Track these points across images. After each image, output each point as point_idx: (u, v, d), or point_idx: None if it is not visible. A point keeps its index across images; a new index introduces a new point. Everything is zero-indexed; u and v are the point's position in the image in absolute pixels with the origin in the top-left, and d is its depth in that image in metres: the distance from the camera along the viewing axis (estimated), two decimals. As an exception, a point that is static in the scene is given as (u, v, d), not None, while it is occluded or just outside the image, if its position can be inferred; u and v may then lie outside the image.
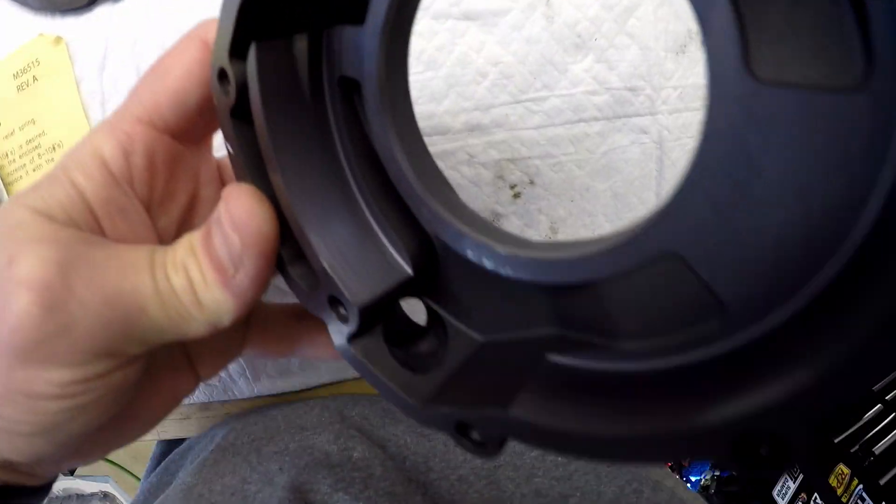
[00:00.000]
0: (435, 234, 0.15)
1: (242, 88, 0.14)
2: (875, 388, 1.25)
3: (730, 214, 0.09)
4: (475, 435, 0.13)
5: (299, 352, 0.20)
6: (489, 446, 0.12)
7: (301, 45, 0.15)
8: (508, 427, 0.12)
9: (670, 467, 1.53)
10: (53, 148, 0.29)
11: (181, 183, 0.18)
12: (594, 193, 0.30)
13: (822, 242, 0.09)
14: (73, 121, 0.28)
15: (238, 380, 0.31)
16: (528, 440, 0.12)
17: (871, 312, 0.07)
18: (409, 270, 0.15)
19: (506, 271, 0.13)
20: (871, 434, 1.18)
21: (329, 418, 0.27)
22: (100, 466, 1.23)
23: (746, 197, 0.09)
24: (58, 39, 0.28)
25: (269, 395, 0.32)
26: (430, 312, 0.16)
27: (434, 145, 0.27)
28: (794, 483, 1.26)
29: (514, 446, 0.26)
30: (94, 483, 1.23)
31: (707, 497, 1.40)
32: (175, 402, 0.20)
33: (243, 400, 0.33)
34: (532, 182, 0.27)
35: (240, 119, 0.15)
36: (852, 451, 1.18)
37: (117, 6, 0.27)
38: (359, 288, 0.14)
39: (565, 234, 0.30)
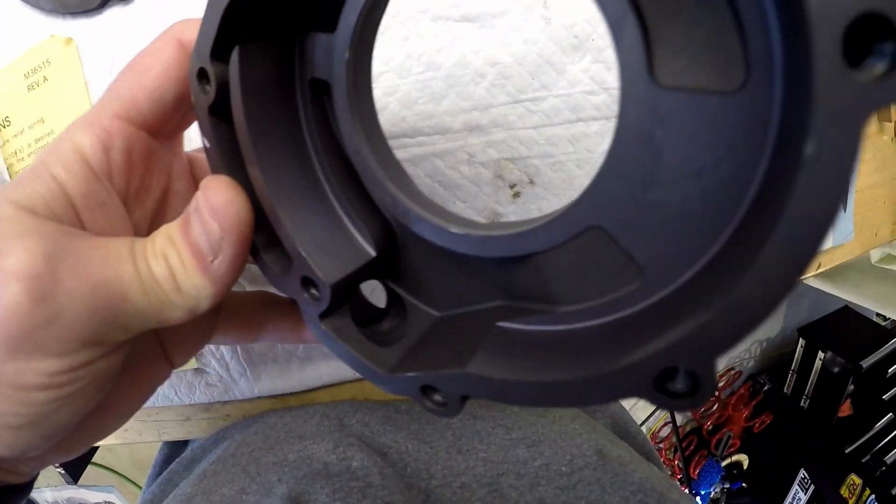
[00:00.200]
0: (395, 220, 0.17)
1: (222, 88, 0.15)
2: (885, 398, 1.23)
3: (640, 192, 0.12)
4: (438, 397, 0.14)
5: (265, 337, 0.21)
6: (451, 406, 0.14)
7: (276, 49, 0.16)
8: (467, 384, 0.13)
9: (679, 480, 1.51)
10: (61, 150, 0.29)
11: (155, 177, 0.19)
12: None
13: (718, 214, 0.11)
14: (80, 123, 0.29)
15: (239, 380, 0.31)
16: (485, 394, 0.13)
17: (756, 266, 0.09)
18: (372, 252, 0.17)
19: (460, 248, 0.15)
20: (882, 444, 1.16)
21: (329, 427, 0.27)
22: (104, 476, 1.23)
23: (653, 178, 0.12)
24: (68, 40, 0.29)
25: (269, 396, 0.32)
26: (390, 294, 0.18)
27: (434, 144, 0.27)
28: (805, 494, 1.24)
29: (515, 455, 0.26)
30: (98, 493, 1.23)
31: (716, 509, 1.37)
32: (151, 390, 0.20)
33: (244, 401, 0.33)
34: (532, 181, 0.28)
35: (217, 115, 0.16)
36: (864, 461, 1.16)
37: (127, 8, 0.28)
38: (329, 268, 0.16)
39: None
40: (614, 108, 0.28)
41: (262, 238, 0.16)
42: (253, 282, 0.29)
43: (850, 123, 0.08)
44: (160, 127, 0.17)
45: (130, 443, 0.35)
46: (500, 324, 0.15)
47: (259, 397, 0.32)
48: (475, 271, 0.16)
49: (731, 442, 1.59)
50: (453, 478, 0.25)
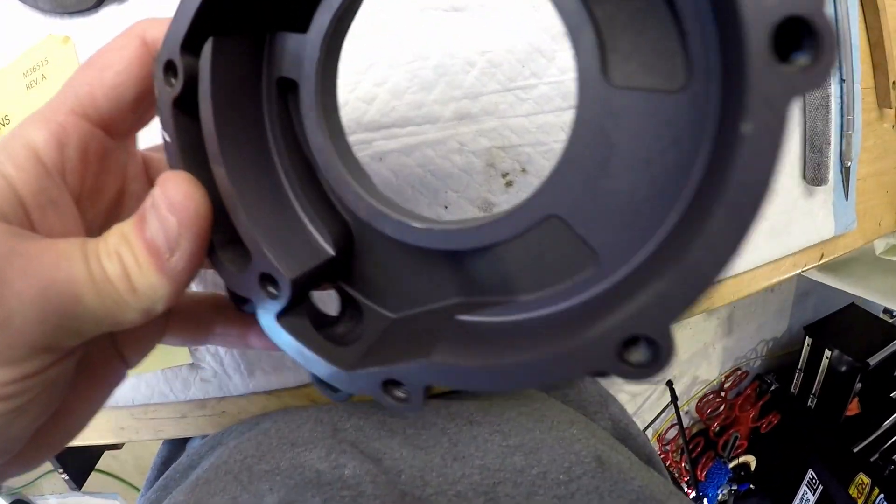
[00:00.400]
0: (354, 220, 0.17)
1: (189, 81, 0.15)
2: (893, 396, 1.21)
3: (594, 182, 0.13)
4: (399, 392, 0.14)
5: (213, 340, 0.21)
6: (413, 399, 0.14)
7: (246, 46, 0.16)
8: (430, 373, 0.13)
9: (686, 482, 1.50)
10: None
11: (110, 177, 0.18)
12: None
13: (666, 197, 0.12)
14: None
15: (233, 375, 0.31)
16: (449, 381, 0.13)
17: (704, 236, 0.10)
18: (331, 252, 0.17)
19: (423, 243, 0.15)
20: (890, 442, 1.14)
21: (322, 432, 0.27)
22: (108, 483, 1.23)
23: (606, 168, 0.13)
24: (66, 39, 0.29)
25: (263, 392, 0.32)
26: (344, 299, 0.18)
27: (425, 134, 0.27)
28: (813, 495, 1.22)
29: (512, 463, 0.26)
30: (103, 500, 1.23)
31: (724, 511, 1.36)
32: (108, 393, 0.20)
33: (239, 397, 0.33)
34: (524, 170, 0.27)
35: (180, 109, 0.16)
36: (872, 460, 1.14)
37: (122, 6, 0.28)
38: (289, 265, 0.16)
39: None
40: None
41: (219, 236, 0.16)
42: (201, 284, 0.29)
43: (780, 106, 0.09)
44: (117, 125, 0.17)
45: (127, 441, 0.35)
46: (459, 317, 0.15)
47: (254, 392, 0.32)
48: (433, 268, 0.16)
49: (738, 443, 1.58)
50: (448, 486, 0.25)
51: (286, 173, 0.17)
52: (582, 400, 0.41)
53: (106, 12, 0.29)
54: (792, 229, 0.36)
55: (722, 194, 0.09)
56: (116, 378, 0.20)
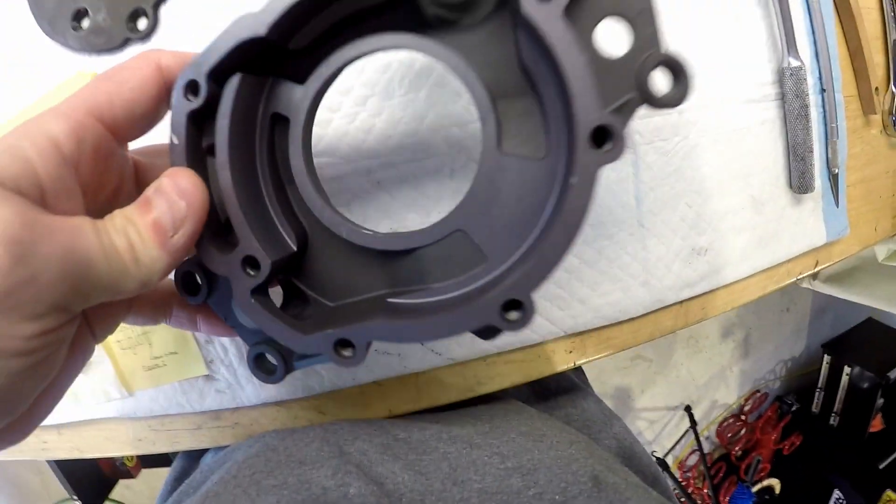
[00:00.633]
0: (312, 225, 0.22)
1: (210, 101, 0.19)
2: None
3: (488, 210, 0.19)
4: (346, 352, 0.19)
5: (169, 321, 0.24)
6: (358, 353, 0.19)
7: (254, 83, 0.20)
8: (372, 331, 0.19)
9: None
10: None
11: (111, 175, 0.20)
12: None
13: (531, 221, 0.19)
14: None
15: (246, 386, 0.33)
16: (387, 336, 0.19)
17: (550, 238, 0.17)
18: (294, 247, 0.21)
19: (367, 244, 0.21)
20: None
21: (329, 452, 0.28)
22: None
23: (495, 201, 0.19)
24: (94, 76, 0.32)
25: (274, 402, 0.34)
26: (291, 291, 0.22)
27: (419, 161, 0.29)
28: (841, 516, 1.18)
29: (509, 485, 0.27)
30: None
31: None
32: (81, 366, 0.21)
33: (251, 408, 0.34)
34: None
35: (192, 121, 0.19)
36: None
37: (146, 45, 0.31)
38: (268, 251, 0.20)
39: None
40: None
41: (207, 226, 0.20)
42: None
43: (592, 170, 0.16)
44: (125, 131, 0.19)
45: (144, 453, 0.37)
46: (389, 300, 0.21)
47: (265, 403, 0.34)
48: (368, 267, 0.22)
49: (760, 466, 1.53)
50: None
51: (265, 183, 0.21)
52: (586, 419, 0.42)
53: (131, 50, 0.32)
54: (782, 238, 0.37)
55: (560, 216, 0.17)
56: (88, 352, 0.22)
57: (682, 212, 0.33)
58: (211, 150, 0.20)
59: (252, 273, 0.20)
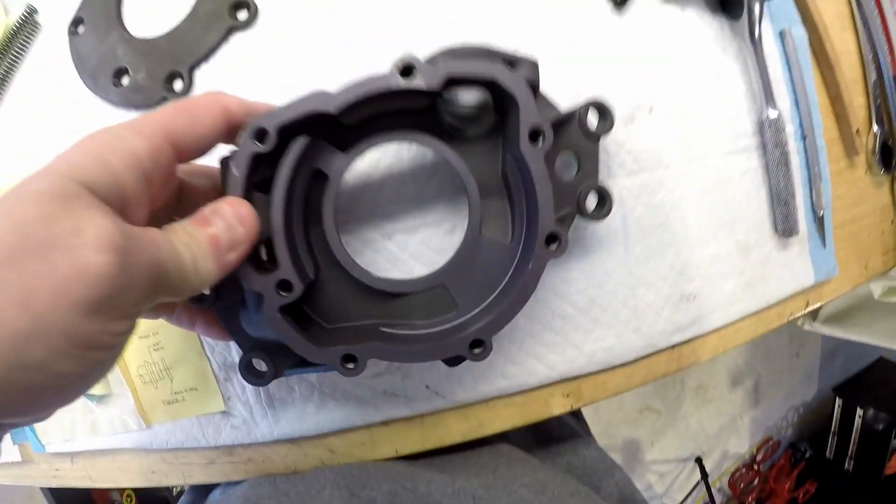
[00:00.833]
0: (326, 262, 0.27)
1: (275, 149, 0.23)
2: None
3: (464, 274, 0.28)
4: (350, 365, 0.25)
5: (171, 319, 0.27)
6: (359, 367, 0.25)
7: (309, 144, 0.25)
8: (374, 351, 0.25)
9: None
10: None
11: (166, 191, 0.23)
12: (567, 252, 0.34)
13: (496, 283, 0.27)
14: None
15: (261, 423, 0.35)
16: (384, 356, 0.25)
17: (511, 296, 0.26)
18: (312, 277, 0.26)
19: (370, 283, 0.27)
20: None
21: (339, 498, 0.30)
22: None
23: (472, 268, 0.28)
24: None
25: (287, 440, 0.35)
26: (297, 312, 0.26)
27: (423, 217, 0.33)
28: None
29: None
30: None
31: None
32: None
33: (264, 445, 0.36)
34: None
35: (253, 162, 0.23)
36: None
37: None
38: (299, 278, 0.24)
39: (544, 290, 0.34)
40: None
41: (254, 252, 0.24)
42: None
43: (543, 261, 0.25)
44: (187, 157, 0.22)
45: (157, 486, 0.38)
46: (382, 329, 0.27)
47: (277, 440, 0.35)
48: (366, 301, 0.28)
49: (776, 517, 1.48)
50: None
51: (296, 222, 0.26)
52: (587, 468, 0.43)
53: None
54: (770, 281, 0.39)
55: (517, 287, 0.26)
56: None
57: (671, 260, 0.36)
58: (258, 186, 0.24)
59: (284, 294, 0.24)
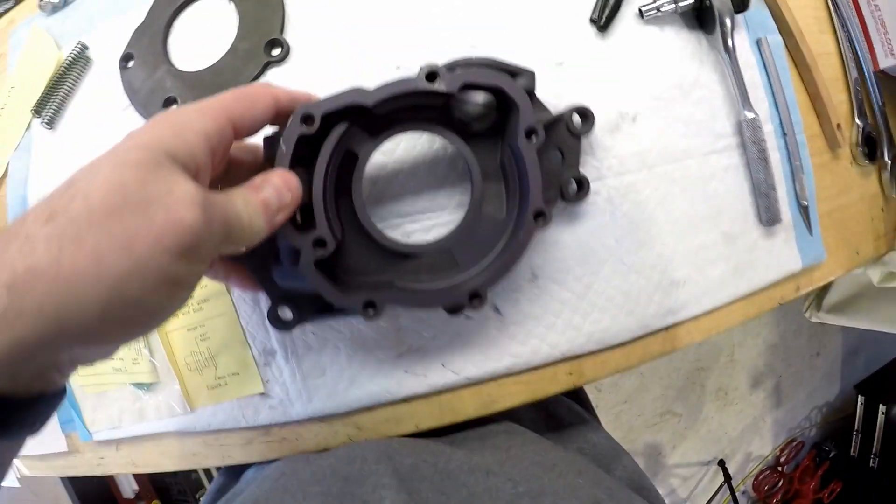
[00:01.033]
0: (351, 225, 0.32)
1: (319, 132, 0.28)
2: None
3: (467, 239, 0.33)
4: (370, 311, 0.29)
5: (208, 273, 0.31)
6: (378, 313, 0.30)
7: (346, 128, 0.30)
8: (391, 297, 0.30)
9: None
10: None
11: (223, 163, 0.27)
12: (563, 244, 0.38)
13: (489, 251, 0.33)
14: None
15: (296, 402, 0.39)
16: (399, 302, 0.31)
17: (504, 256, 0.32)
18: (339, 238, 0.30)
19: (389, 245, 0.32)
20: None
21: (368, 470, 0.32)
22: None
23: (473, 235, 0.33)
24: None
25: (319, 417, 0.39)
26: (324, 267, 0.30)
27: (438, 217, 0.37)
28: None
29: None
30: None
31: None
32: None
33: (297, 425, 0.40)
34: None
35: (300, 141, 0.28)
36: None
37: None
38: (333, 236, 0.29)
39: (543, 279, 0.38)
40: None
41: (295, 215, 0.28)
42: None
43: (530, 232, 0.31)
44: (241, 136, 0.26)
45: (195, 467, 0.42)
46: (396, 282, 0.32)
47: (310, 418, 0.39)
48: (382, 260, 0.33)
49: (801, 518, 1.46)
50: None
51: (330, 192, 0.30)
52: (597, 453, 0.45)
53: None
54: (757, 266, 0.42)
55: (509, 252, 0.31)
56: None
57: (659, 250, 0.39)
58: (300, 161, 0.28)
59: (319, 250, 0.28)
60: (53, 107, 0.43)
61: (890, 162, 0.49)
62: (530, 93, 0.33)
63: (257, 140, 0.30)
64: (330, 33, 0.40)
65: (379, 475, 0.31)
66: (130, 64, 0.43)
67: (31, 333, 0.18)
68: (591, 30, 0.40)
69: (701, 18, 0.41)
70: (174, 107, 0.41)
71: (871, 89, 0.49)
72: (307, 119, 0.28)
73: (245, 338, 0.39)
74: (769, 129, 0.42)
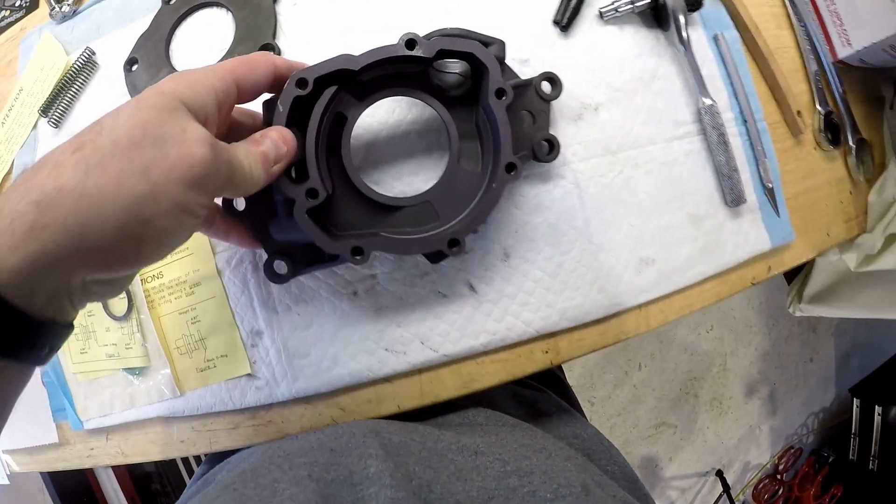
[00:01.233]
0: (340, 180, 0.35)
1: (311, 94, 0.31)
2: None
3: (446, 191, 0.36)
4: (357, 256, 0.31)
5: (208, 231, 0.34)
6: (364, 258, 0.32)
7: (335, 92, 0.33)
8: (376, 244, 0.33)
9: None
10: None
11: (226, 122, 0.30)
12: (533, 226, 0.40)
13: (467, 202, 0.36)
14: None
15: (281, 382, 0.40)
16: (383, 247, 0.33)
17: (480, 205, 0.35)
18: (329, 191, 0.33)
19: (375, 198, 0.35)
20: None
21: (356, 444, 0.33)
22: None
23: (452, 187, 0.36)
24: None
25: (303, 397, 0.40)
26: (315, 219, 0.32)
27: (415, 177, 0.39)
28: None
29: (507, 484, 0.31)
30: None
31: None
32: None
33: (282, 407, 0.41)
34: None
35: (295, 102, 0.31)
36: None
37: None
38: (324, 187, 0.32)
39: (515, 258, 0.40)
40: (538, 164, 0.39)
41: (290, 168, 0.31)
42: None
43: (503, 183, 0.34)
44: (243, 98, 0.29)
45: (184, 455, 0.43)
46: (381, 233, 0.34)
47: (295, 398, 0.40)
48: (370, 213, 0.35)
49: (802, 525, 1.44)
50: (449, 496, 0.30)
51: (321, 149, 0.33)
52: (587, 448, 0.45)
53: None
54: (725, 246, 0.43)
55: (484, 202, 0.35)
56: None
57: (626, 230, 0.41)
58: (295, 123, 0.31)
59: (312, 200, 0.31)
60: (61, 107, 0.46)
61: (854, 147, 0.51)
62: (501, 60, 0.37)
63: (256, 107, 0.33)
64: (318, 38, 0.43)
65: (366, 447, 0.32)
66: (134, 67, 0.45)
67: (54, 246, 0.21)
68: (555, 30, 0.42)
69: (658, 17, 0.44)
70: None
71: (830, 79, 0.52)
72: (301, 83, 0.31)
73: (234, 319, 0.41)
74: (729, 117, 0.45)
